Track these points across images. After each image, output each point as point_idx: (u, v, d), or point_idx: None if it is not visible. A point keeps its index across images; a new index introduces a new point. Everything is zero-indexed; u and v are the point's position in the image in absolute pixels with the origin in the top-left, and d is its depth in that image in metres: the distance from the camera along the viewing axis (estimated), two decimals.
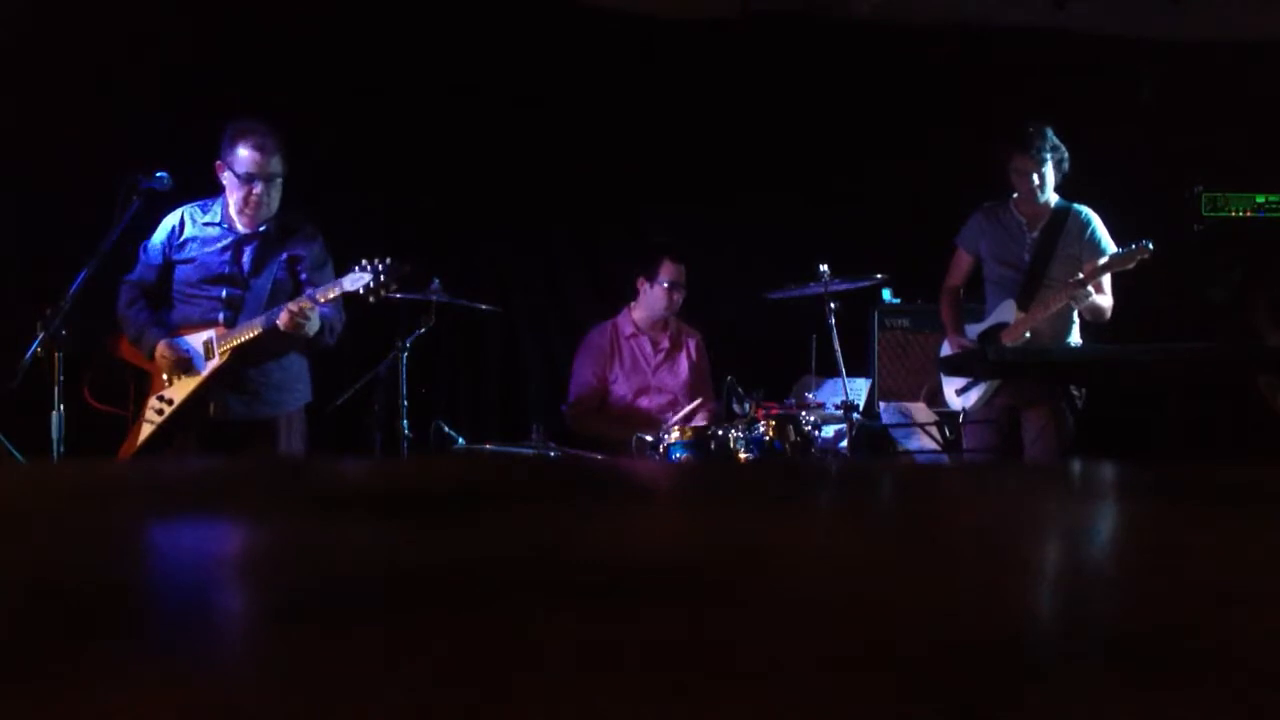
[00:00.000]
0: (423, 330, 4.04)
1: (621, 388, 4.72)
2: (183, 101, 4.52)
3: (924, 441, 4.50)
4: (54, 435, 3.37)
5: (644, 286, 4.74)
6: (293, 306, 3.59)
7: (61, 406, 3.40)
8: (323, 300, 3.64)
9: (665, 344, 4.80)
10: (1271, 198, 5.32)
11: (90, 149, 4.35)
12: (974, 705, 0.37)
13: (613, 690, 0.38)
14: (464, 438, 4.22)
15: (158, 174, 3.65)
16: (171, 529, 0.76)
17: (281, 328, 3.60)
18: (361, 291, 3.61)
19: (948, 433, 4.46)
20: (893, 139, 5.48)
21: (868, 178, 5.49)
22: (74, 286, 3.51)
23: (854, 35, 5.78)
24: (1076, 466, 1.84)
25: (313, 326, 3.65)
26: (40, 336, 3.35)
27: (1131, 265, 3.99)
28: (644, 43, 5.61)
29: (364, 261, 3.64)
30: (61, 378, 3.39)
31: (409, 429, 4.00)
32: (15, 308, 3.63)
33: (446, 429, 4.20)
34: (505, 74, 5.42)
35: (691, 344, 4.84)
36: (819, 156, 5.57)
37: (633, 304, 4.82)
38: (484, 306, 4.35)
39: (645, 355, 4.77)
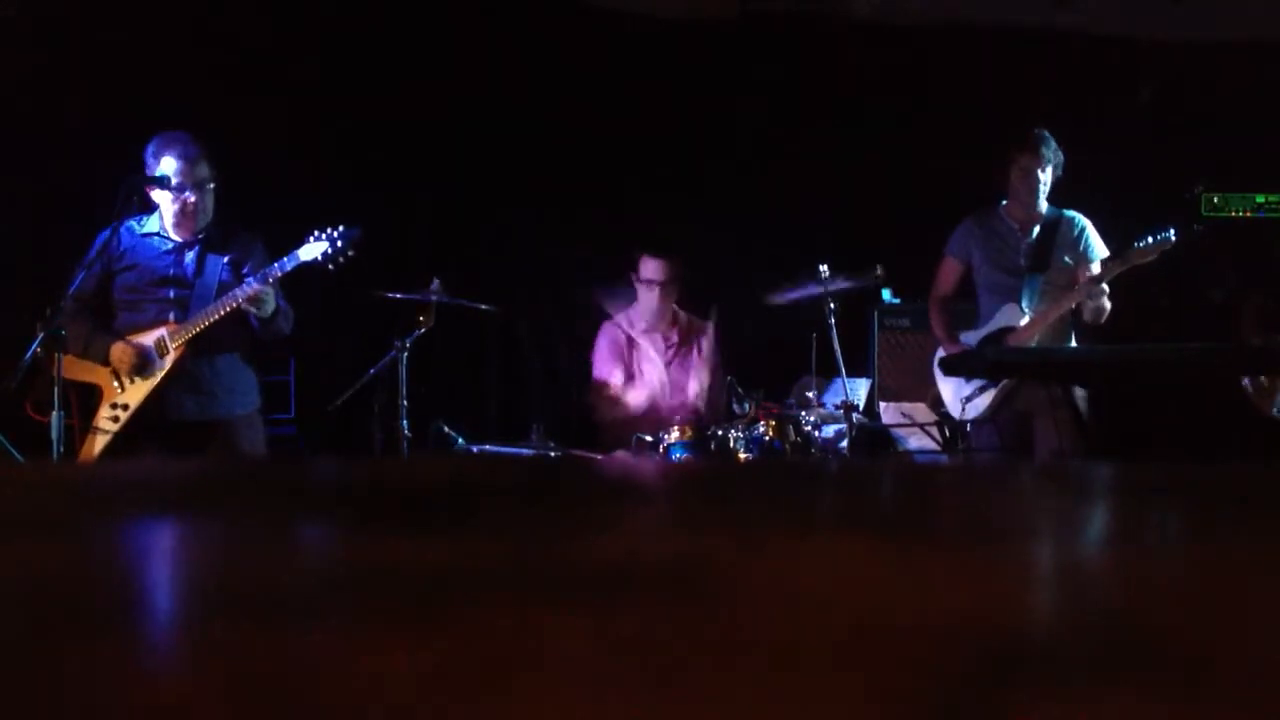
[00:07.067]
0: (423, 330, 4.04)
1: (637, 384, 4.61)
2: (184, 101, 4.52)
3: (924, 441, 4.50)
4: (54, 435, 3.36)
5: (635, 284, 4.67)
6: (252, 290, 3.53)
7: (62, 409, 3.39)
8: (281, 275, 3.59)
9: (675, 338, 4.69)
10: (1271, 198, 5.31)
11: (90, 149, 4.35)
12: (974, 705, 0.37)
13: (612, 690, 0.38)
14: (464, 438, 4.22)
15: (158, 174, 3.64)
16: (175, 531, 0.76)
17: (241, 302, 3.54)
18: (320, 259, 3.57)
19: (947, 433, 4.46)
20: (892, 138, 5.48)
21: (868, 177, 5.49)
22: (73, 287, 3.50)
23: (853, 35, 5.77)
24: (1078, 468, 1.85)
25: (269, 307, 3.60)
26: (40, 336, 3.34)
27: (1154, 257, 3.96)
28: (643, 42, 5.60)
29: (317, 231, 3.60)
30: (61, 378, 3.38)
31: (409, 429, 4.00)
32: (15, 308, 3.62)
33: (446, 429, 4.19)
34: (505, 73, 5.42)
35: (704, 340, 4.70)
36: (819, 156, 5.57)
37: (636, 301, 4.73)
38: (484, 306, 4.34)
39: (656, 351, 4.66)
